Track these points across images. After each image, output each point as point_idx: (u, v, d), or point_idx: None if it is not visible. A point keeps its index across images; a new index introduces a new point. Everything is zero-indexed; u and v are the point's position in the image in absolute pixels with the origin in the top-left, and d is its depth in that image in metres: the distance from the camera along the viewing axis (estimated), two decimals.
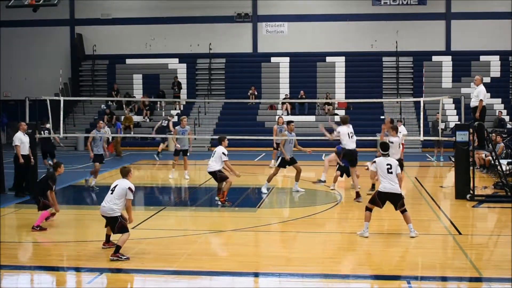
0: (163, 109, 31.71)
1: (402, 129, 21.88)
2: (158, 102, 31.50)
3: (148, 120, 30.98)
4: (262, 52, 32.79)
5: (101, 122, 16.78)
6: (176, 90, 31.54)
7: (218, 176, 13.37)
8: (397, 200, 10.29)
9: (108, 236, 9.48)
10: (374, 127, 28.32)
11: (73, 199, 15.35)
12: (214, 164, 13.37)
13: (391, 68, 31.95)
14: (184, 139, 17.66)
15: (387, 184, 10.22)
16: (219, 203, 13.30)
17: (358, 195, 13.68)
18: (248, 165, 20.79)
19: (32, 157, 14.79)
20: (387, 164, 10.34)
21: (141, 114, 31.34)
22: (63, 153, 23.08)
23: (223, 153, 13.32)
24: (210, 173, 13.56)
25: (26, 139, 14.62)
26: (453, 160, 15.37)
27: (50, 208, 11.05)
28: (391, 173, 10.25)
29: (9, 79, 32.92)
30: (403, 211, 10.32)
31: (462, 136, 13.93)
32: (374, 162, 10.54)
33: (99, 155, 15.99)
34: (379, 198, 10.30)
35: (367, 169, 10.93)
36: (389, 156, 10.75)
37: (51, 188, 11.01)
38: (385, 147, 10.73)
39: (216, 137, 15.35)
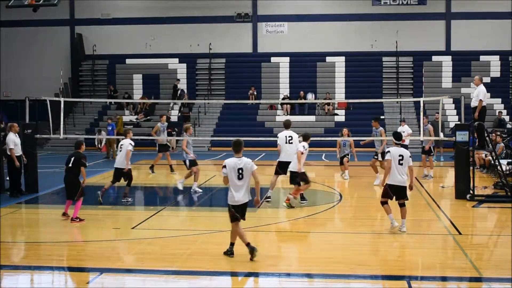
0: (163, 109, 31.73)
1: (405, 129, 21.92)
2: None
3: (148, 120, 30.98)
4: (262, 52, 32.79)
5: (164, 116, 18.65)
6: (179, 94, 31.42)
7: None
8: (403, 194, 10.18)
9: None
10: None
11: None
12: None
13: (391, 68, 31.95)
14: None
15: (398, 177, 10.08)
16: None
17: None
18: None
19: (24, 157, 14.65)
20: (399, 155, 10.13)
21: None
22: (63, 153, 23.03)
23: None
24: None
25: (18, 140, 14.52)
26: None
27: (81, 197, 11.66)
28: (402, 164, 10.13)
29: (9, 79, 32.95)
30: (402, 205, 10.26)
31: (462, 136, 13.92)
32: (389, 152, 10.26)
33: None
34: (391, 191, 10.18)
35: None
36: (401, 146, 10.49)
37: (84, 165, 11.69)
38: (398, 136, 10.46)
39: (216, 138, 15.28)
